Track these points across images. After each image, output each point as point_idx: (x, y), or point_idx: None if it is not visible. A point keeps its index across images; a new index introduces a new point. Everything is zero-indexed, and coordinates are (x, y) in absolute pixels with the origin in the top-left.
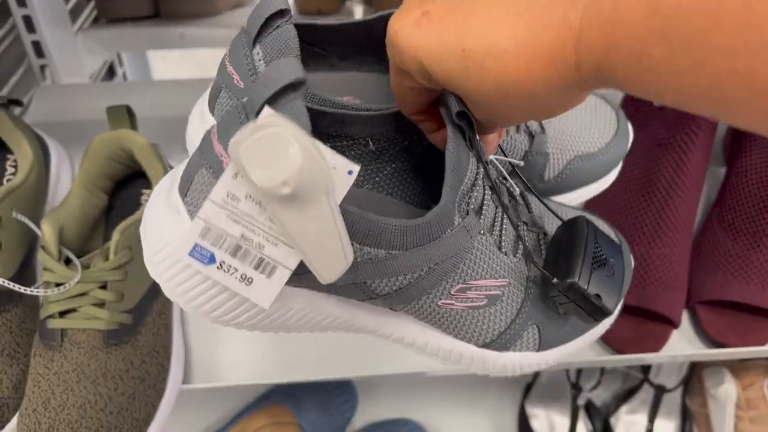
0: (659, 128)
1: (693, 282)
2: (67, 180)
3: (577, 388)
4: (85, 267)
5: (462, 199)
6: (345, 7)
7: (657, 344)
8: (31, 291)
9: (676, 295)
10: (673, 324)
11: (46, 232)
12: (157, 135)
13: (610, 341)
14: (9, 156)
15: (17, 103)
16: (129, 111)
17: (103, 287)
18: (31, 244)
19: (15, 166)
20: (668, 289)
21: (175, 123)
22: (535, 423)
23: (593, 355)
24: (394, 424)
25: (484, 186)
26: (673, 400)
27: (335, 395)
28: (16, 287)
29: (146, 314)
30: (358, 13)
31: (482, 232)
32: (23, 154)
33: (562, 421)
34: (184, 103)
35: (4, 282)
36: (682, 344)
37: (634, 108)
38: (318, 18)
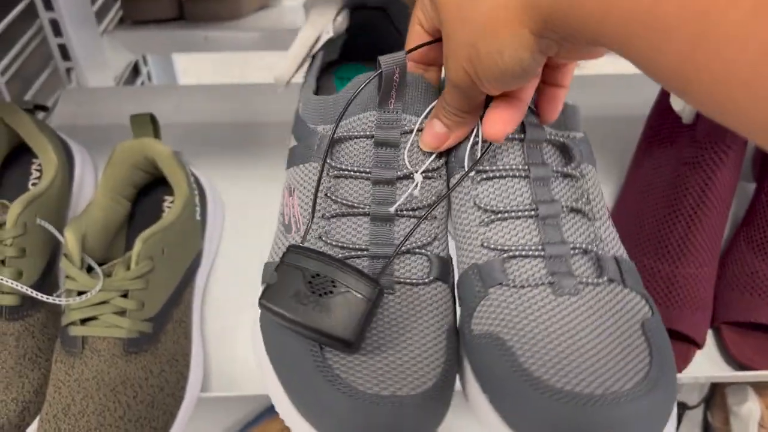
0: (686, 146)
1: (718, 302)
2: (91, 184)
3: None
4: (107, 275)
5: None
6: None
7: (680, 364)
8: (53, 299)
9: (701, 315)
10: (698, 344)
11: (69, 240)
12: (180, 140)
13: None
14: (34, 160)
15: (43, 108)
16: (152, 119)
17: (125, 296)
18: (54, 249)
19: (40, 170)
20: (693, 309)
21: (198, 128)
22: None
23: None
24: None
25: None
26: (694, 417)
27: None
28: (38, 295)
29: (166, 322)
30: None
31: None
32: (48, 159)
33: None
34: (207, 108)
35: (26, 289)
36: (706, 365)
37: (659, 124)
38: None
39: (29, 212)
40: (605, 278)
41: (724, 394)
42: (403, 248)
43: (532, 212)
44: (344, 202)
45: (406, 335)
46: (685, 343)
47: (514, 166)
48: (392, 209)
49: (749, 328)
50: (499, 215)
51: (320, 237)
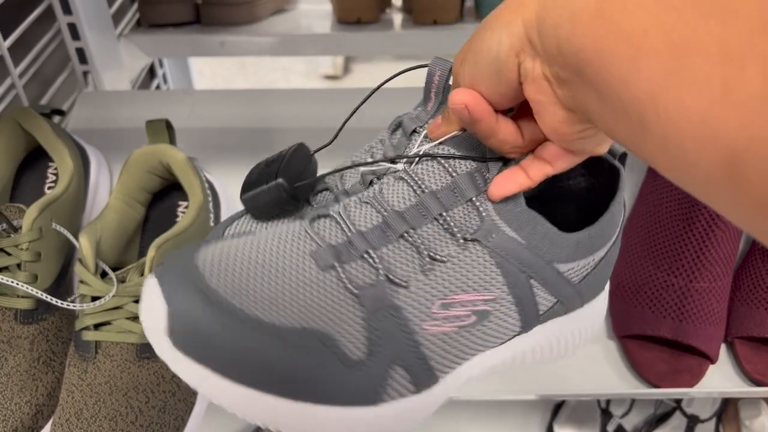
0: None
1: (732, 316)
2: (106, 188)
3: (607, 414)
4: (121, 281)
5: None
6: (384, 15)
7: (693, 379)
8: (67, 305)
9: (715, 329)
10: (711, 359)
11: (84, 245)
12: (195, 145)
13: (645, 374)
14: (50, 163)
15: (59, 112)
16: (168, 125)
17: (138, 301)
18: (69, 253)
19: (56, 174)
20: (707, 324)
21: (213, 133)
22: None
23: (626, 388)
24: None
25: None
26: (706, 429)
27: None
28: (53, 300)
29: None
30: (398, 21)
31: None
32: (64, 164)
33: None
34: (223, 113)
35: (40, 294)
36: (719, 380)
37: None
38: (357, 28)
39: (45, 217)
40: None
41: (736, 408)
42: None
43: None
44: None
45: None
46: (698, 358)
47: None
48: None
49: (763, 343)
50: None
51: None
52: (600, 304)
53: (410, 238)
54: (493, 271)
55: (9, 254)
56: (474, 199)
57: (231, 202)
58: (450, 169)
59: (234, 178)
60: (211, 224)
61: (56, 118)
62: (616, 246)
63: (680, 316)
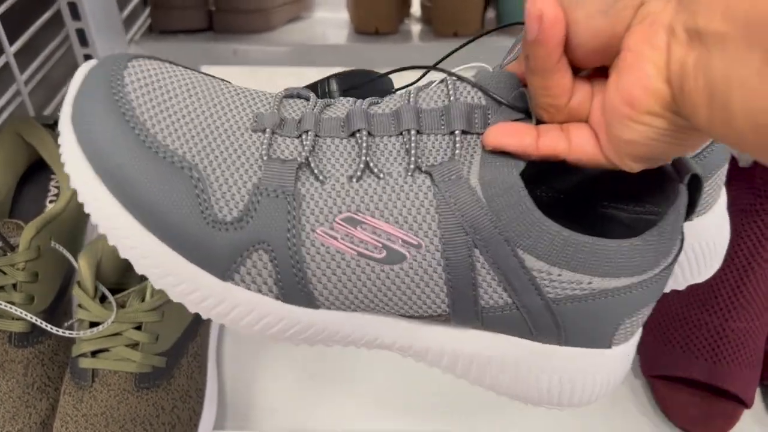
0: (743, 192)
1: None
2: None
3: None
4: (121, 306)
5: None
6: (403, 26)
7: (726, 425)
8: (62, 332)
9: (751, 373)
10: (746, 404)
11: (83, 268)
12: None
13: (674, 418)
14: (53, 176)
15: None
16: None
17: (138, 328)
18: (68, 273)
19: (58, 186)
20: (742, 367)
21: None
22: None
23: None
24: None
25: None
26: None
27: None
28: (48, 327)
29: (181, 356)
30: (416, 32)
31: None
32: (66, 179)
33: None
34: None
35: (35, 320)
36: (753, 426)
37: None
38: (374, 38)
39: (43, 235)
40: None
41: None
42: None
43: None
44: None
45: None
46: (732, 402)
47: None
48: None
49: None
50: None
51: None
52: (603, 367)
53: (360, 139)
54: (429, 213)
55: (5, 273)
56: (458, 133)
57: None
58: (451, 93)
59: None
60: None
61: None
62: (644, 291)
63: (714, 357)
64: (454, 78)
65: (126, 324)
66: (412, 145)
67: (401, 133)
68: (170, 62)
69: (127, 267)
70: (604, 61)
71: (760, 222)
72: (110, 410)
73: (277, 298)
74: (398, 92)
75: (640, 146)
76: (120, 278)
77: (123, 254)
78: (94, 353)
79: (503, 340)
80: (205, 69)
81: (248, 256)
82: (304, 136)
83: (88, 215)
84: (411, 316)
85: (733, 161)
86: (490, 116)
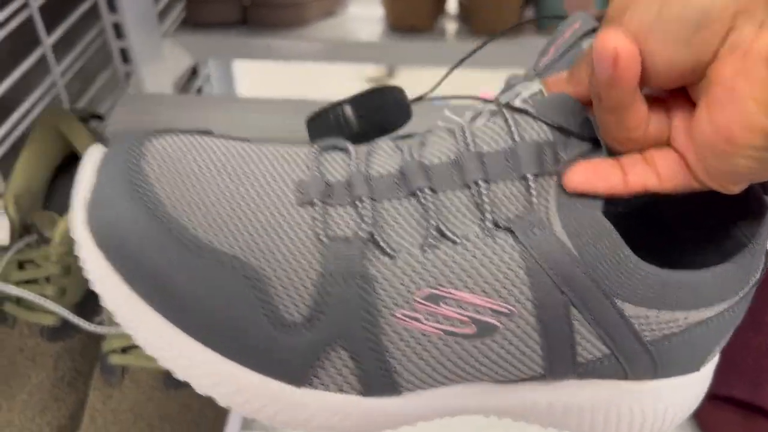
0: None
1: None
2: None
3: None
4: None
5: None
6: (438, 24)
7: None
8: (93, 327)
9: None
10: None
11: None
12: None
13: None
14: None
15: (98, 117)
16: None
17: None
18: None
19: None
20: None
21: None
22: None
23: None
24: None
25: None
26: None
27: None
28: (79, 321)
29: None
30: (452, 30)
31: None
32: None
33: None
34: (267, 124)
35: (66, 313)
36: None
37: None
38: (409, 36)
39: None
40: None
41: None
42: None
43: None
44: None
45: None
46: None
47: None
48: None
49: None
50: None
51: None
52: (692, 389)
53: (423, 200)
54: (518, 276)
55: (38, 266)
56: (530, 177)
57: None
58: (516, 131)
59: None
60: None
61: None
62: (734, 312)
63: (758, 376)
64: (511, 110)
65: None
66: (483, 199)
67: (467, 186)
68: (184, 132)
69: None
70: (683, 84)
71: None
72: (138, 407)
73: (360, 393)
74: (444, 128)
75: (743, 175)
76: None
77: (181, 376)
78: (124, 350)
79: (597, 385)
80: (239, 63)
81: (326, 357)
82: (359, 205)
83: None
84: (502, 382)
85: None
86: (560, 153)
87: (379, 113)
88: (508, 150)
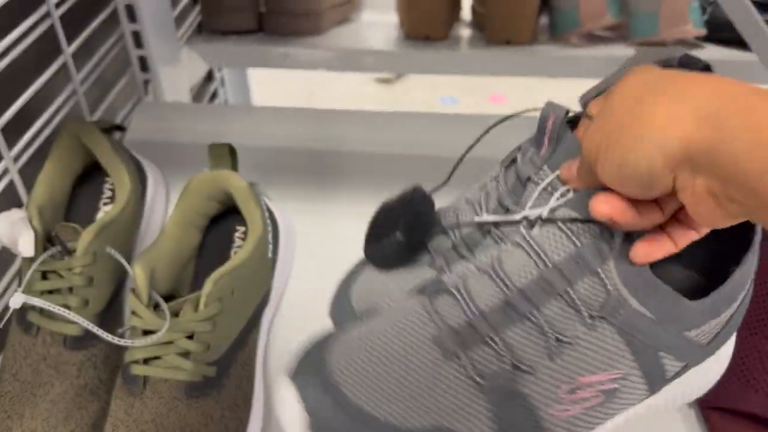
0: None
1: None
2: (162, 207)
3: None
4: (174, 314)
5: None
6: (452, 33)
7: None
8: (117, 340)
9: None
10: None
11: (138, 275)
12: (254, 166)
13: None
14: (107, 178)
15: (120, 128)
16: (231, 150)
17: (190, 337)
18: (121, 277)
19: (112, 189)
20: None
21: (274, 154)
22: None
23: None
24: None
25: None
26: None
27: None
28: (103, 334)
29: (231, 366)
30: (466, 39)
31: None
32: (122, 184)
33: None
34: (285, 132)
35: (89, 325)
36: None
37: None
38: (424, 45)
39: (100, 241)
40: None
41: None
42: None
43: None
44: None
45: None
46: None
47: None
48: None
49: None
50: None
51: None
52: (726, 349)
53: (535, 319)
54: (622, 349)
55: (61, 277)
56: (599, 270)
57: (290, 233)
58: (573, 236)
59: (294, 203)
60: (269, 256)
61: (116, 134)
62: (748, 294)
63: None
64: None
65: (178, 333)
66: (576, 302)
67: (560, 295)
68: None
69: (179, 272)
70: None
71: None
72: (160, 418)
73: None
74: (512, 243)
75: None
76: (172, 285)
77: None
78: (146, 360)
79: (675, 382)
80: (254, 71)
81: None
82: (491, 342)
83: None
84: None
85: None
86: (610, 240)
87: (418, 221)
88: (575, 254)
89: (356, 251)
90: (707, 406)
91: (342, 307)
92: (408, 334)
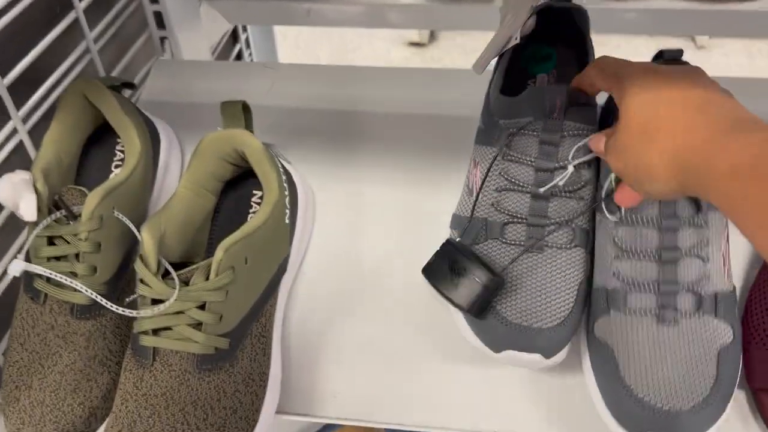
0: None
1: None
2: (176, 169)
3: None
4: (184, 283)
5: None
6: None
7: None
8: (122, 310)
9: None
10: None
11: (146, 241)
12: (273, 126)
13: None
14: (119, 140)
15: (130, 86)
16: (245, 107)
17: (201, 307)
18: (132, 242)
19: (124, 151)
20: None
21: (294, 114)
22: None
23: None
24: None
25: None
26: None
27: None
28: (108, 304)
29: (245, 338)
30: None
31: None
32: (131, 145)
33: None
34: (305, 92)
35: (95, 296)
36: None
37: None
38: None
39: (107, 204)
40: (701, 311)
41: None
42: (553, 221)
43: (657, 256)
44: (513, 180)
45: (547, 284)
46: None
47: (649, 218)
48: (542, 190)
49: None
50: (631, 254)
51: (492, 204)
52: None
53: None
54: None
55: (68, 242)
56: None
57: (309, 197)
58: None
59: (313, 165)
60: (286, 222)
61: (126, 92)
62: None
63: None
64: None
65: (189, 302)
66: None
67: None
68: None
69: (191, 239)
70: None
71: None
72: (171, 391)
73: None
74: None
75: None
76: (184, 251)
77: None
78: (155, 331)
79: None
80: (282, 36)
81: None
82: None
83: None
84: None
85: None
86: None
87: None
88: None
89: (378, 215)
90: (757, 387)
91: None
92: None
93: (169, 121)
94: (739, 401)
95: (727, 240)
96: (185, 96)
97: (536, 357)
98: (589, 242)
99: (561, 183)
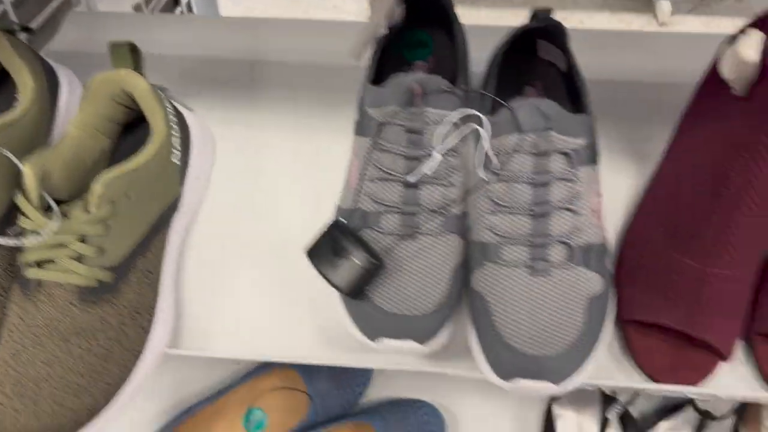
0: (737, 125)
1: (756, 311)
2: None
3: (609, 399)
4: (65, 216)
5: None
6: None
7: (697, 376)
8: (2, 239)
9: (730, 323)
10: (722, 356)
11: (27, 175)
12: (182, 76)
13: (642, 365)
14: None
15: (27, 30)
16: (133, 48)
17: (83, 240)
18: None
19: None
20: (721, 316)
21: (203, 65)
22: (560, 424)
23: (622, 380)
24: (407, 405)
25: None
26: (722, 427)
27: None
28: None
29: (130, 272)
30: None
31: None
32: (24, 85)
33: (592, 428)
34: (220, 44)
35: None
36: (731, 380)
37: (709, 95)
38: None
39: None
40: (572, 262)
41: (758, 409)
42: (426, 209)
43: (530, 211)
44: (385, 170)
45: (420, 271)
46: (708, 353)
47: (522, 174)
48: (412, 178)
49: None
50: (505, 209)
51: (368, 195)
52: None
53: None
54: None
55: None
56: None
57: (207, 140)
58: None
59: (216, 113)
60: (175, 162)
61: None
62: None
63: (690, 303)
64: None
65: (70, 235)
66: None
67: None
68: None
69: (82, 179)
70: None
71: (752, 158)
72: (54, 322)
73: None
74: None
75: None
76: (75, 192)
77: None
78: (39, 264)
79: None
80: None
81: None
82: None
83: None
84: None
85: (724, 90)
86: None
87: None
88: None
89: (279, 162)
90: (625, 319)
91: None
92: None
93: (79, 71)
94: (614, 346)
95: (599, 194)
96: (97, 47)
97: (410, 344)
98: (462, 228)
99: (429, 172)
